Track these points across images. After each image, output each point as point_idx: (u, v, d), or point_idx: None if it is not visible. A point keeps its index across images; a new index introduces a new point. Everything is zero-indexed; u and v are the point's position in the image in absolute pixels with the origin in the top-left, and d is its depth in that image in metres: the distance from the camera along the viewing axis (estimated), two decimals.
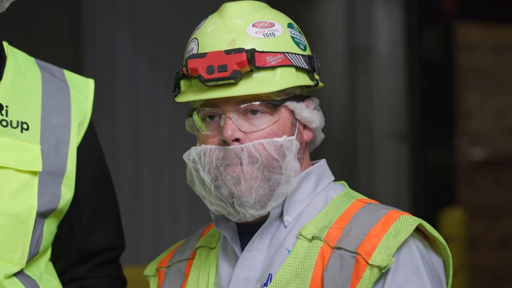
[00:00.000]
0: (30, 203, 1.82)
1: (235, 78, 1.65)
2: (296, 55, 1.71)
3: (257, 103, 1.68)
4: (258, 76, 1.68)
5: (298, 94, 1.74)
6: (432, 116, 5.97)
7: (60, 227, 1.93)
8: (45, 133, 1.87)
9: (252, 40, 1.69)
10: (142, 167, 4.92)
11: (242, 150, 1.67)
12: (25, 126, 1.85)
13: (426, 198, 5.84)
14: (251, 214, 1.68)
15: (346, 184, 1.81)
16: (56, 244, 1.94)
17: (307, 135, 1.76)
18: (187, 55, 1.73)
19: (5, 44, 1.92)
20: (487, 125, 6.33)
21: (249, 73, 1.68)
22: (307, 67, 1.73)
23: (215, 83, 1.67)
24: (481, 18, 6.32)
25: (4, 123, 1.83)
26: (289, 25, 1.75)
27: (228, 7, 1.73)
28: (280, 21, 1.74)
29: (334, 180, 1.81)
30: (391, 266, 1.60)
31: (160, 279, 1.86)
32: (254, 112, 1.69)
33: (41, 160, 1.84)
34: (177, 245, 1.91)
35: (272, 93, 1.69)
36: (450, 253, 1.72)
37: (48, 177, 1.85)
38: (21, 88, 1.88)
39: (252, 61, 1.66)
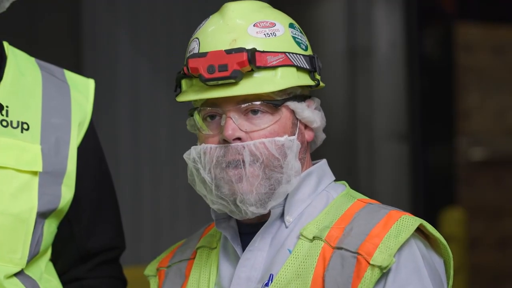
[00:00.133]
0: (30, 203, 1.82)
1: (236, 77, 1.65)
2: (297, 55, 1.71)
3: (258, 102, 1.68)
4: (259, 75, 1.68)
5: (299, 94, 1.74)
6: (432, 116, 5.97)
7: (60, 227, 1.93)
8: (45, 133, 1.86)
9: (253, 40, 1.69)
10: (142, 167, 4.92)
11: (244, 147, 1.67)
12: (25, 126, 1.85)
13: (426, 198, 5.84)
14: (252, 211, 1.68)
15: (347, 184, 1.81)
16: (56, 244, 1.94)
17: (308, 135, 1.76)
18: (188, 55, 1.73)
19: (5, 44, 1.91)
20: (487, 125, 6.33)
21: (250, 72, 1.68)
22: (308, 67, 1.73)
23: (216, 83, 1.67)
24: (481, 18, 6.32)
25: (4, 123, 1.83)
26: (291, 25, 1.75)
27: (229, 7, 1.74)
28: (281, 21, 1.74)
29: (335, 180, 1.81)
30: (392, 266, 1.60)
31: (161, 279, 1.86)
32: (255, 111, 1.69)
33: (41, 160, 1.84)
34: (177, 245, 1.91)
35: (273, 92, 1.69)
36: (451, 254, 1.72)
37: (48, 177, 1.85)
38: (21, 88, 1.88)
39: (252, 61, 1.66)
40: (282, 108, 1.71)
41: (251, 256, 1.71)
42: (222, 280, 1.74)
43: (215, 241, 1.81)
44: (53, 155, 1.86)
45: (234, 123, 1.68)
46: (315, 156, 1.83)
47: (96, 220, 1.97)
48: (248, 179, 1.67)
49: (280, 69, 1.69)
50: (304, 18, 5.45)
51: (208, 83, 1.67)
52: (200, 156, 1.71)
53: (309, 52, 1.76)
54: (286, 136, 1.70)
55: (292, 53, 1.71)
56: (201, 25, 1.76)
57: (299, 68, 1.72)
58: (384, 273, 1.60)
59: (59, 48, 4.60)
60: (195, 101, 1.75)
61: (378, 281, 1.60)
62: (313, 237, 1.67)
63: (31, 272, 1.86)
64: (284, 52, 1.70)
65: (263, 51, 1.68)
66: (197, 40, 1.74)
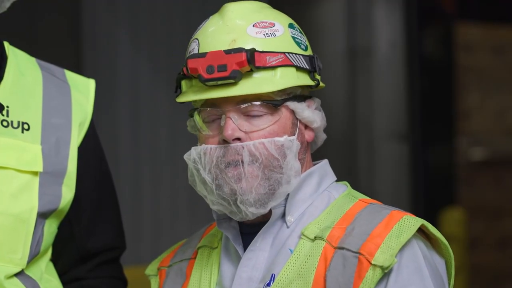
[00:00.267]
0: (30, 204, 1.82)
1: (235, 77, 1.65)
2: (297, 55, 1.71)
3: (258, 103, 1.68)
4: (258, 76, 1.68)
5: (299, 94, 1.74)
6: (432, 116, 5.97)
7: (60, 228, 1.93)
8: (45, 133, 1.86)
9: (253, 40, 1.69)
10: (142, 167, 4.92)
11: (243, 148, 1.67)
12: (25, 126, 1.85)
13: (426, 198, 5.84)
14: (252, 212, 1.68)
15: (348, 185, 1.81)
16: (57, 244, 1.94)
17: (308, 135, 1.76)
18: (187, 55, 1.73)
19: (6, 44, 1.91)
20: (487, 125, 6.33)
21: (249, 73, 1.68)
22: (307, 67, 1.73)
23: (215, 83, 1.67)
24: (481, 18, 6.32)
25: (5, 123, 1.83)
26: (290, 25, 1.75)
27: (229, 7, 1.74)
28: (281, 21, 1.74)
29: (336, 181, 1.81)
30: (393, 266, 1.61)
31: (161, 279, 1.86)
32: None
33: (42, 160, 1.84)
34: (178, 244, 1.91)
35: (273, 93, 1.69)
36: (452, 254, 1.72)
37: (49, 177, 1.85)
38: (22, 88, 1.88)
39: (252, 61, 1.66)
40: (282, 108, 1.71)
41: (253, 256, 1.72)
42: (224, 280, 1.74)
43: (216, 241, 1.81)
44: (53, 155, 1.86)
45: (234, 123, 1.68)
46: (315, 156, 1.83)
47: (96, 220, 1.97)
48: (247, 179, 1.67)
49: (279, 69, 1.69)
50: (304, 18, 5.45)
51: (208, 83, 1.67)
52: (200, 157, 1.71)
53: (309, 52, 1.76)
54: (286, 136, 1.70)
55: (292, 53, 1.71)
56: (201, 26, 1.76)
57: (298, 68, 1.72)
58: (386, 273, 1.60)
59: (59, 48, 4.60)
60: (195, 101, 1.75)
61: (380, 281, 1.61)
62: (315, 237, 1.67)
63: (32, 272, 1.86)
64: (284, 52, 1.70)
65: (263, 51, 1.68)
66: (196, 40, 1.74)
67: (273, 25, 1.72)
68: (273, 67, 1.69)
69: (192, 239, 1.89)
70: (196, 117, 1.73)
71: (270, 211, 1.71)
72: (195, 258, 1.82)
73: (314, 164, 1.79)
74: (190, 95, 1.72)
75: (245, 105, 1.69)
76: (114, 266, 2.02)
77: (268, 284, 1.67)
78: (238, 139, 1.68)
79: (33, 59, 1.95)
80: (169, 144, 4.91)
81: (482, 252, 6.21)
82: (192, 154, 1.73)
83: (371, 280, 1.59)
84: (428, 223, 1.67)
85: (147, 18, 4.92)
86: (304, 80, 1.73)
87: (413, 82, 5.80)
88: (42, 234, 1.86)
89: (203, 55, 1.68)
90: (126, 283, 2.05)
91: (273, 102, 1.70)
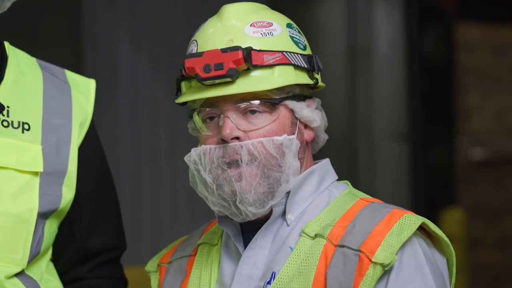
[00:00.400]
0: (31, 204, 1.82)
1: (232, 76, 1.66)
2: (295, 54, 1.72)
3: (256, 101, 1.69)
4: (255, 74, 1.69)
5: (299, 94, 1.75)
6: (432, 116, 5.97)
7: (61, 228, 1.93)
8: (46, 134, 1.86)
9: (250, 39, 1.70)
10: (142, 167, 4.92)
11: (242, 147, 1.68)
12: (26, 126, 1.85)
13: (426, 198, 5.84)
14: (252, 212, 1.69)
15: (349, 184, 1.82)
16: (57, 244, 1.94)
17: (307, 135, 1.77)
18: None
19: (6, 44, 1.91)
20: (487, 125, 6.33)
21: (247, 71, 1.68)
22: (306, 66, 1.73)
23: (212, 82, 1.68)
24: (481, 18, 6.31)
25: (5, 123, 1.83)
26: (288, 25, 1.76)
27: (226, 8, 1.75)
28: (279, 21, 1.75)
29: (337, 180, 1.81)
30: (394, 264, 1.61)
31: (161, 275, 1.87)
32: (253, 111, 1.70)
33: (42, 161, 1.84)
34: (178, 241, 1.92)
35: (271, 91, 1.70)
36: (453, 252, 1.72)
37: (49, 177, 1.85)
38: (22, 88, 1.88)
39: (248, 59, 1.66)
40: (280, 107, 1.71)
41: (253, 254, 1.72)
42: (224, 277, 1.75)
43: (216, 238, 1.82)
44: (54, 155, 1.86)
45: (232, 123, 1.69)
46: (315, 156, 1.83)
47: (96, 220, 1.97)
48: (246, 178, 1.67)
49: (277, 68, 1.70)
50: (304, 18, 5.45)
51: (205, 82, 1.68)
52: (200, 158, 1.72)
53: (308, 51, 1.77)
54: (285, 135, 1.70)
55: (290, 52, 1.71)
56: (200, 27, 1.77)
57: (296, 67, 1.72)
58: (386, 271, 1.61)
59: (59, 48, 4.60)
60: (194, 102, 1.75)
61: (380, 279, 1.61)
62: (315, 235, 1.68)
63: (32, 273, 1.86)
64: (281, 51, 1.70)
65: (260, 50, 1.68)
66: (195, 42, 1.75)
67: (270, 24, 1.73)
68: (270, 66, 1.69)
69: (192, 236, 1.89)
70: (196, 117, 1.74)
71: (270, 210, 1.71)
72: (195, 255, 1.83)
73: (315, 163, 1.79)
74: (188, 95, 1.73)
75: (243, 104, 1.69)
76: (114, 266, 2.02)
77: (269, 282, 1.68)
78: (237, 138, 1.68)
79: (33, 59, 1.95)
80: (169, 144, 4.91)
81: (482, 252, 6.21)
82: (192, 156, 1.73)
83: (371, 277, 1.59)
84: (429, 221, 1.68)
85: (147, 18, 4.92)
86: (303, 79, 1.73)
87: (413, 82, 5.80)
88: (43, 234, 1.86)
89: (200, 54, 1.68)
90: (127, 283, 2.05)
91: (271, 100, 1.70)
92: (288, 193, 1.72)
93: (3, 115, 1.83)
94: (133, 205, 4.82)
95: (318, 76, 1.77)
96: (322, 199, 1.75)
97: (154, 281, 1.88)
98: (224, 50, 1.67)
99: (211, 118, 1.73)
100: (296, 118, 1.74)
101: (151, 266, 1.91)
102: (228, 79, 1.66)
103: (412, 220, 1.65)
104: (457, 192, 6.13)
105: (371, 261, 1.60)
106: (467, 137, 6.23)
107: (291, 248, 1.69)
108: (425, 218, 1.67)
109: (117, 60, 4.85)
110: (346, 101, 5.74)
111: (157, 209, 4.95)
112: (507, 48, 6.38)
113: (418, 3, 5.86)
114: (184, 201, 4.91)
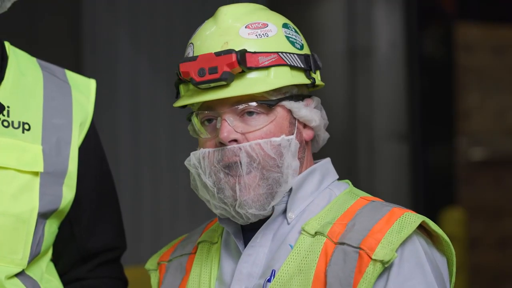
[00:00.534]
0: (31, 204, 1.82)
1: (226, 79, 1.66)
2: (291, 54, 1.72)
3: (253, 104, 1.69)
4: (251, 76, 1.69)
5: (296, 94, 1.75)
6: (432, 116, 5.96)
7: (61, 228, 1.93)
8: (46, 134, 1.86)
9: (245, 41, 1.70)
10: (142, 167, 4.92)
11: (240, 149, 1.68)
12: (26, 126, 1.85)
13: (426, 198, 5.84)
14: (253, 214, 1.69)
15: (350, 183, 1.82)
16: (57, 244, 1.94)
17: (307, 134, 1.77)
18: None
19: (6, 44, 1.91)
20: (487, 125, 6.33)
21: (243, 74, 1.69)
22: (303, 66, 1.73)
23: (208, 85, 1.68)
24: (481, 18, 6.31)
25: (5, 123, 1.83)
26: (284, 25, 1.75)
27: (222, 10, 1.75)
28: (274, 21, 1.75)
29: (338, 179, 1.81)
30: (395, 261, 1.61)
31: (161, 273, 1.87)
32: (250, 113, 1.70)
33: (43, 161, 1.84)
34: (179, 239, 1.92)
35: (267, 93, 1.70)
36: (453, 251, 1.72)
37: (50, 177, 1.85)
38: (22, 88, 1.88)
39: (242, 62, 1.66)
40: (278, 108, 1.71)
41: (253, 252, 1.72)
42: (224, 275, 1.75)
43: (216, 236, 1.82)
44: (54, 155, 1.86)
45: (229, 125, 1.69)
46: (315, 156, 1.83)
47: (96, 220, 1.97)
48: (245, 181, 1.68)
49: (273, 69, 1.70)
50: (304, 18, 5.45)
51: (200, 86, 1.69)
52: (200, 161, 1.72)
53: (305, 51, 1.77)
54: (283, 136, 1.70)
55: (286, 52, 1.71)
56: (197, 30, 1.78)
57: (292, 67, 1.72)
58: (387, 268, 1.61)
59: (59, 48, 4.60)
60: (193, 105, 1.75)
61: (380, 276, 1.61)
62: (315, 233, 1.68)
63: (32, 273, 1.86)
64: (277, 52, 1.70)
65: (255, 52, 1.68)
66: (192, 45, 1.76)
67: (266, 25, 1.73)
68: (266, 67, 1.69)
69: (192, 234, 1.89)
70: (194, 120, 1.74)
71: (272, 209, 1.71)
72: (195, 253, 1.83)
73: (316, 163, 1.79)
74: (185, 99, 1.73)
75: (240, 106, 1.69)
76: (114, 266, 2.02)
77: (269, 280, 1.68)
78: (235, 140, 1.69)
79: (33, 59, 1.95)
80: (169, 144, 4.91)
81: (482, 252, 6.21)
82: (192, 160, 1.74)
83: (371, 275, 1.60)
84: (429, 220, 1.68)
85: (147, 18, 4.92)
86: (299, 79, 1.73)
87: (413, 82, 5.80)
88: (43, 234, 1.86)
89: (194, 58, 1.69)
90: (127, 283, 2.05)
91: (267, 102, 1.70)
92: (289, 191, 1.72)
93: (3, 115, 1.83)
94: (133, 205, 4.82)
95: (316, 75, 1.77)
96: (322, 198, 1.75)
97: (154, 279, 1.88)
98: (218, 54, 1.67)
99: (209, 121, 1.73)
100: (295, 118, 1.74)
101: (151, 264, 1.91)
102: (223, 83, 1.67)
103: (412, 219, 1.65)
104: (457, 192, 6.13)
105: (371, 258, 1.60)
106: (467, 137, 6.23)
107: (291, 246, 1.69)
108: (425, 217, 1.67)
109: (117, 60, 4.85)
110: (346, 101, 5.74)
111: (157, 209, 4.95)
112: (507, 48, 6.38)
113: (418, 3, 5.86)
114: (184, 201, 4.91)
